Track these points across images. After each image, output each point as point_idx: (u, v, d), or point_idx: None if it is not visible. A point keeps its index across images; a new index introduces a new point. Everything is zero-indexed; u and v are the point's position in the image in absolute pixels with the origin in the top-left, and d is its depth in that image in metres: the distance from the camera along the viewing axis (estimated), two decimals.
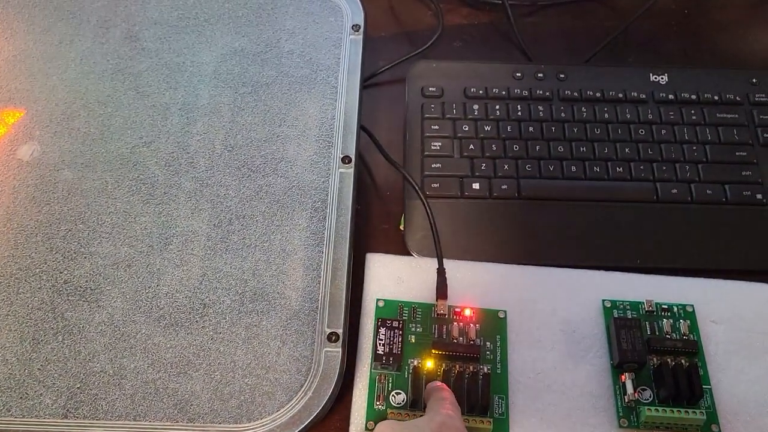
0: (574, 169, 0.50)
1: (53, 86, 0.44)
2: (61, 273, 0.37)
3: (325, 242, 0.39)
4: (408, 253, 0.49)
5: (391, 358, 0.43)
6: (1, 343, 0.35)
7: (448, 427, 0.34)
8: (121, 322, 0.36)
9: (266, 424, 0.33)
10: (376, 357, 0.42)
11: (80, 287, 0.37)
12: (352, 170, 0.41)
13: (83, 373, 0.34)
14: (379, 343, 0.43)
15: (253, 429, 0.33)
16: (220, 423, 0.33)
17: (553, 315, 0.46)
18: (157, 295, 0.37)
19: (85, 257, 0.38)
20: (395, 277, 0.47)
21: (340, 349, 0.35)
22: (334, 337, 0.35)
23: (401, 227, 0.49)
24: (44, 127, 0.42)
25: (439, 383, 0.40)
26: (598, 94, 0.54)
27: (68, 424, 0.33)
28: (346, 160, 0.41)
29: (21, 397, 0.33)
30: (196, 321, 0.36)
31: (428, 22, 0.62)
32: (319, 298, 0.37)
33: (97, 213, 0.39)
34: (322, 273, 0.38)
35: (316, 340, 0.35)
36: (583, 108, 0.53)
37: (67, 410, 0.33)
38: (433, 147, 0.51)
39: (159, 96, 0.44)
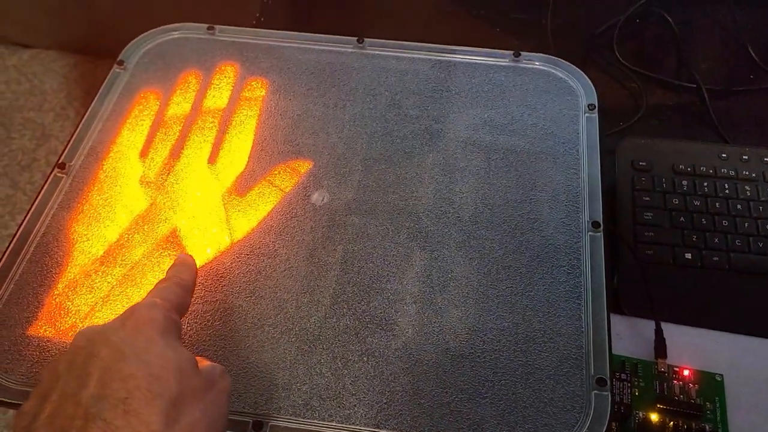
0: None
1: (333, 143, 0.52)
2: (359, 303, 0.43)
3: (583, 296, 0.44)
4: (621, 312, 0.53)
5: (622, 408, 0.47)
6: (317, 359, 0.41)
7: (135, 319, 0.33)
8: (415, 350, 0.42)
9: None
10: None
11: (377, 317, 0.43)
12: (601, 234, 0.46)
13: (388, 390, 0.40)
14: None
15: None
16: None
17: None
18: (442, 330, 0.42)
19: (377, 292, 0.44)
20: (615, 334, 0.51)
21: (608, 393, 0.40)
22: (601, 381, 0.40)
23: (613, 287, 0.54)
24: (330, 178, 0.50)
25: (184, 258, 0.42)
26: None
27: None
28: (595, 224, 0.47)
29: (339, 407, 0.39)
30: (478, 355, 0.41)
31: (625, 101, 0.68)
32: (584, 345, 0.42)
33: (383, 255, 0.46)
34: (583, 323, 0.42)
35: (585, 383, 0.40)
36: None
37: (378, 421, 0.39)
38: (645, 216, 0.56)
39: (422, 157, 0.51)
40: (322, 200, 0.49)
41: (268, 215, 0.48)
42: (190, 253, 0.44)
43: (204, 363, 0.34)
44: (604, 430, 0.39)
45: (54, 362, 0.32)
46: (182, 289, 0.38)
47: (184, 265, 0.40)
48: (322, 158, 0.51)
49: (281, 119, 0.53)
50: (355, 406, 0.40)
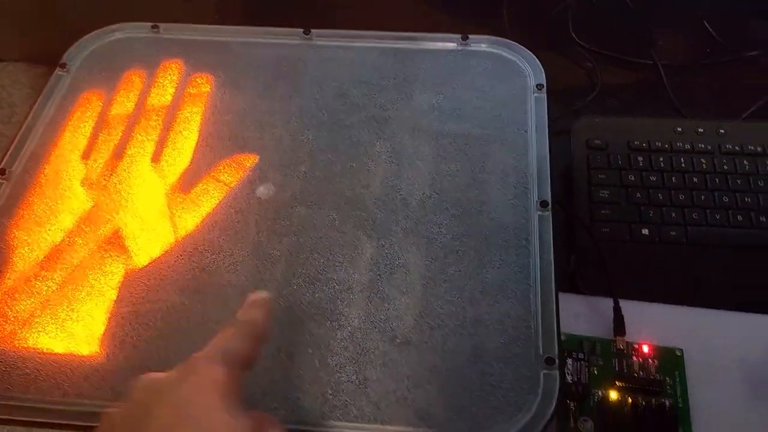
0: (740, 218, 0.53)
1: (279, 136, 0.51)
2: (304, 295, 0.43)
3: (531, 277, 0.43)
4: (578, 292, 0.52)
5: (579, 387, 0.46)
6: (261, 353, 0.40)
7: (197, 378, 0.31)
8: (361, 339, 0.41)
9: None
10: (566, 386, 0.46)
11: (322, 308, 0.42)
12: (549, 214, 0.46)
13: (333, 381, 0.39)
14: (567, 373, 0.47)
15: None
16: (456, 431, 0.37)
17: (729, 356, 0.48)
18: (388, 317, 0.42)
19: (323, 283, 0.43)
20: (571, 314, 0.51)
21: (557, 372, 0.39)
22: (550, 361, 0.39)
23: (570, 267, 0.53)
24: (276, 171, 0.49)
25: (258, 297, 0.37)
26: (758, 149, 0.57)
27: (325, 425, 0.38)
28: (543, 204, 0.46)
29: (284, 400, 0.39)
30: (425, 341, 0.41)
31: (582, 81, 0.67)
32: (533, 326, 0.41)
33: (329, 245, 0.45)
34: (531, 304, 0.42)
35: (534, 363, 0.39)
36: (745, 162, 0.56)
37: (323, 413, 0.38)
38: (601, 194, 0.56)
39: (369, 145, 0.50)
40: (268, 193, 0.48)
41: (212, 211, 0.47)
42: (266, 291, 0.39)
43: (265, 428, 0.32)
44: (553, 409, 0.38)
45: (112, 413, 0.31)
46: (251, 338, 0.34)
47: (257, 305, 0.36)
48: (268, 151, 0.50)
49: (226, 114, 0.53)
50: (299, 398, 0.39)
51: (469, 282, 0.43)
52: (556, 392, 0.39)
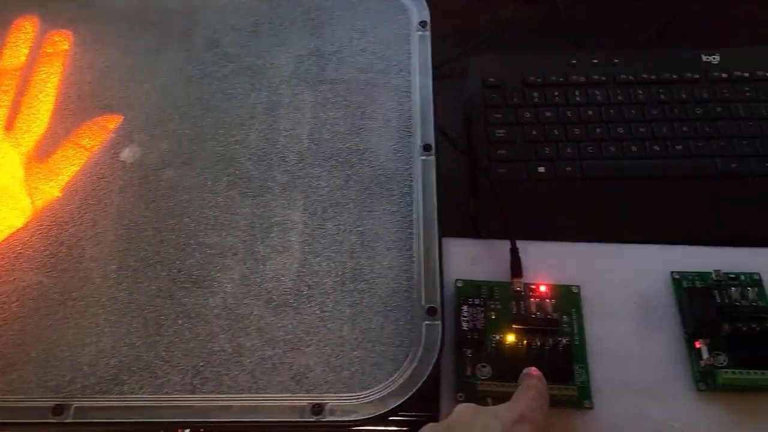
0: (634, 149, 0.53)
1: (146, 93, 0.47)
2: (174, 263, 0.40)
3: (414, 224, 0.41)
4: (479, 236, 0.51)
5: (475, 334, 0.45)
6: (126, 329, 0.38)
7: (524, 420, 0.34)
8: (234, 305, 0.39)
9: (378, 392, 0.36)
10: (461, 333, 0.44)
11: (193, 275, 0.40)
12: (433, 157, 0.44)
13: (205, 352, 0.37)
14: (463, 320, 0.45)
15: (366, 397, 0.36)
16: (335, 393, 0.36)
17: (624, 288, 0.48)
18: (264, 280, 0.39)
19: (194, 248, 0.41)
20: (470, 259, 0.49)
21: (439, 322, 0.38)
22: (432, 311, 0.38)
23: (471, 211, 0.52)
24: (142, 131, 0.45)
25: (533, 370, 0.40)
26: (652, 77, 0.56)
27: (196, 399, 0.36)
28: (426, 148, 0.44)
29: (151, 376, 0.36)
30: (303, 302, 0.39)
31: (477, 18, 0.65)
32: (415, 275, 0.39)
33: (200, 207, 0.42)
34: (414, 252, 0.40)
35: (415, 314, 0.38)
36: (639, 90, 0.55)
37: (194, 386, 0.36)
38: (497, 134, 0.54)
39: (244, 97, 0.47)
40: (133, 156, 0.44)
41: (72, 179, 0.44)
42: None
43: None
44: (435, 359, 0.37)
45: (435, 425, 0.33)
46: (544, 401, 0.36)
47: (533, 377, 0.39)
48: (133, 111, 0.46)
49: (87, 73, 0.48)
50: (168, 373, 0.37)
51: (348, 236, 0.41)
52: (439, 342, 0.37)
